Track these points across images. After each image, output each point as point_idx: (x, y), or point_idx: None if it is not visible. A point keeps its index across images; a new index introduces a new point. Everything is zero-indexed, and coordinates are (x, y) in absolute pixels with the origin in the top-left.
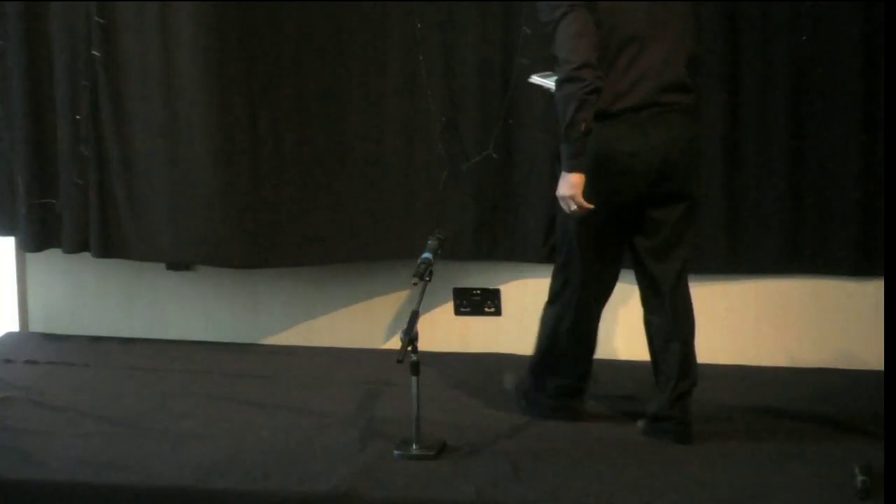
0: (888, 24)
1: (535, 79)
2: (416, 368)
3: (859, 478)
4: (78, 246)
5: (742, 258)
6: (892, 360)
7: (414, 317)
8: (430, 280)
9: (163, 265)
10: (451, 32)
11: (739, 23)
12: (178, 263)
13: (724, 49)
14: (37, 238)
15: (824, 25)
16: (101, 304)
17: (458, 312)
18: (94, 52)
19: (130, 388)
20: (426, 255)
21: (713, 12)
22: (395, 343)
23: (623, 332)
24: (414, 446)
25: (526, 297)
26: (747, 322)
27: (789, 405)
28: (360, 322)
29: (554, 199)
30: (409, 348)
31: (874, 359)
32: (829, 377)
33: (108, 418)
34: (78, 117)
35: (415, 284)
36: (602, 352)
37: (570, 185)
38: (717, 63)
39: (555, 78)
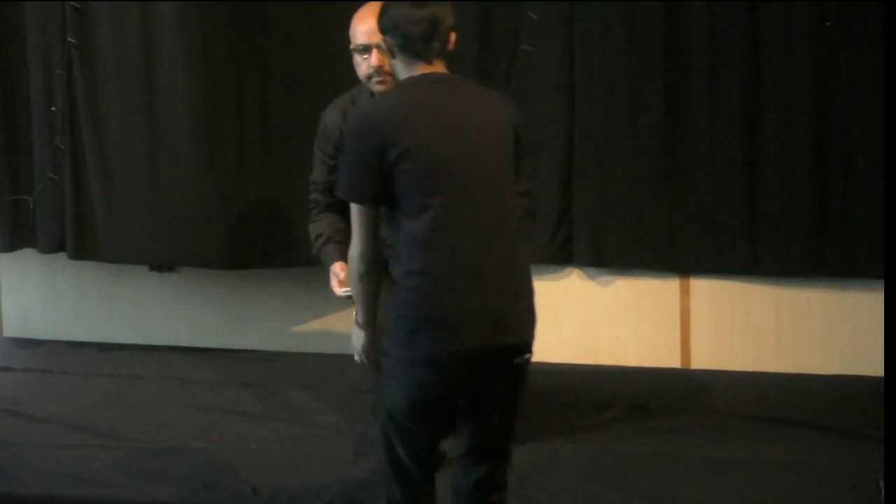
0: (888, 24)
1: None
2: None
3: (884, 492)
4: (54, 246)
5: (763, 260)
6: (893, 361)
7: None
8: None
9: (145, 267)
10: None
11: (760, 16)
12: (161, 264)
13: (744, 45)
14: (10, 237)
15: (848, 11)
16: (79, 308)
17: None
18: (69, 39)
19: (111, 397)
20: None
21: (732, 5)
22: None
23: (632, 338)
24: None
25: None
26: (767, 327)
27: (810, 414)
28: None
29: (562, 195)
30: None
31: None
32: (854, 385)
33: (87, 429)
34: (53, 108)
35: None
36: (611, 359)
37: None
38: (737, 58)
39: None
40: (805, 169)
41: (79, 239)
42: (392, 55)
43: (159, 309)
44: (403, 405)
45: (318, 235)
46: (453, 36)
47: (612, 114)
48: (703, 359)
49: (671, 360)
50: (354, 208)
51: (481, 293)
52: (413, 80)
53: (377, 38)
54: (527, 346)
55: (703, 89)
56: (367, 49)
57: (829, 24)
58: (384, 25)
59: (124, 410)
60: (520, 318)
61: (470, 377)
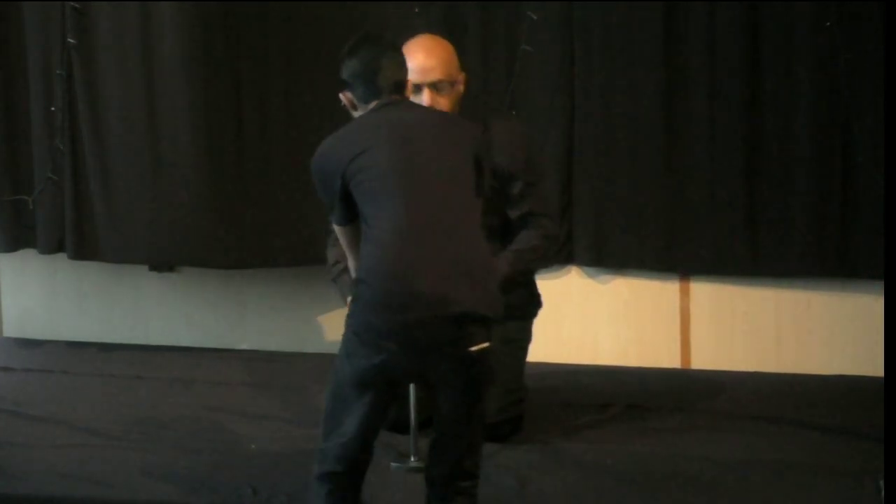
0: (888, 24)
1: None
2: None
3: (883, 492)
4: (54, 246)
5: (763, 260)
6: (893, 362)
7: None
8: None
9: (145, 267)
10: (450, 17)
11: (759, 17)
12: (161, 264)
13: (744, 45)
14: (10, 238)
15: (848, 11)
16: (79, 308)
17: None
18: (69, 40)
19: (110, 397)
20: None
21: (731, 5)
22: None
23: (632, 338)
24: (412, 458)
25: None
26: (767, 327)
27: (811, 415)
28: None
29: (562, 194)
30: None
31: None
32: (854, 385)
33: (86, 429)
34: (52, 108)
35: None
36: (611, 359)
37: None
38: (737, 58)
39: None
40: (805, 169)
41: (79, 239)
42: (353, 108)
43: (159, 309)
44: (349, 378)
45: (336, 262)
46: (410, 84)
47: (612, 114)
48: (703, 359)
49: (671, 361)
50: (335, 227)
51: (426, 280)
52: (367, 110)
53: (431, 76)
54: (480, 320)
55: (702, 90)
56: (417, 88)
57: (828, 24)
58: (344, 78)
59: (124, 410)
60: (469, 295)
61: (417, 356)
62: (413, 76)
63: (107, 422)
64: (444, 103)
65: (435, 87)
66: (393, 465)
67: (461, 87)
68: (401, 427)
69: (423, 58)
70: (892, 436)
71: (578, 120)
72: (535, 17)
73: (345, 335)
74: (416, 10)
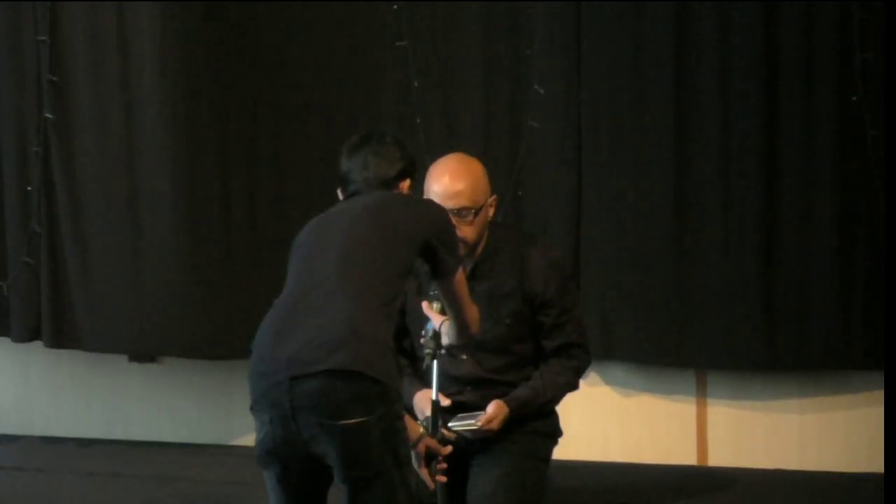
0: (888, 24)
1: (456, 426)
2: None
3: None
4: (28, 334)
5: (783, 352)
6: (893, 369)
7: (436, 408)
8: (444, 352)
9: (124, 357)
10: (451, 89)
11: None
12: (141, 354)
13: (760, 118)
14: None
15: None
16: (54, 401)
17: None
18: (46, 115)
19: (88, 497)
20: (431, 324)
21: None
22: None
23: (645, 433)
24: None
25: None
26: (789, 423)
27: None
28: None
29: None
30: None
31: None
32: (882, 483)
33: None
34: (29, 188)
35: (427, 354)
36: (622, 455)
37: None
38: (752, 127)
39: (475, 424)
40: (825, 258)
41: (55, 326)
42: None
43: (140, 402)
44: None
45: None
46: (405, 183)
47: (621, 195)
48: (721, 456)
49: (687, 457)
50: None
51: (290, 343)
52: None
53: (453, 202)
54: (346, 378)
55: (714, 168)
56: None
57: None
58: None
59: None
60: (334, 357)
61: (288, 425)
62: (435, 199)
63: None
64: (467, 231)
65: (458, 213)
66: None
67: (491, 211)
68: None
69: (447, 181)
70: (892, 436)
71: (585, 203)
72: (541, 91)
73: None
74: (395, 7)
